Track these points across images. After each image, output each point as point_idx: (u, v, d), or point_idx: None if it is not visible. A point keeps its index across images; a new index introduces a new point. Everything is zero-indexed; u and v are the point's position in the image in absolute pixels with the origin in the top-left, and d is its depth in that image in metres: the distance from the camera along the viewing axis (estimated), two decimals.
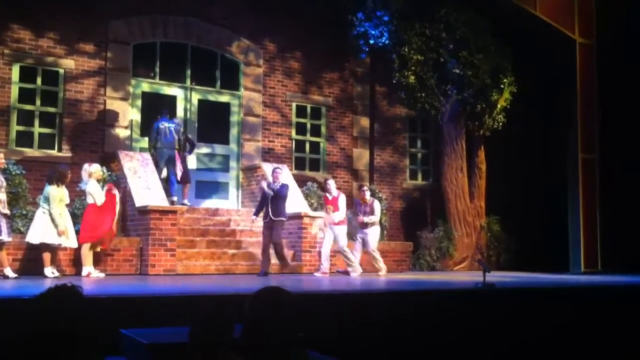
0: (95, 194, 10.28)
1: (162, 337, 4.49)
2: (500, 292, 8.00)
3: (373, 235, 12.09)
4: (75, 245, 10.04)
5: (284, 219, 11.35)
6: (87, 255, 10.13)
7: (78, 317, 2.19)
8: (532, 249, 14.37)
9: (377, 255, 12.08)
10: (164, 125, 12.54)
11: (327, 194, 12.12)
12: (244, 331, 2.24)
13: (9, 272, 9.36)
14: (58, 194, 9.89)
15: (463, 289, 8.47)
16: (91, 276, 9.95)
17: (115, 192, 10.53)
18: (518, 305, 7.60)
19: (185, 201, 12.65)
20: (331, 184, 12.19)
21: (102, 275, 10.20)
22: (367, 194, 12.34)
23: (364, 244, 12.13)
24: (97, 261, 10.47)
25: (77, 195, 11.00)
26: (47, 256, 9.78)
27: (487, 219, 15.28)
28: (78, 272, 10.27)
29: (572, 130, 14.62)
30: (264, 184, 11.46)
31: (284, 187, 11.44)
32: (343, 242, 11.76)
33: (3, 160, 9.90)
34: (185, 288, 7.97)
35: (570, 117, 14.68)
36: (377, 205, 12.24)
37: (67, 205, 10.18)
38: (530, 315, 7.35)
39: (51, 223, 9.75)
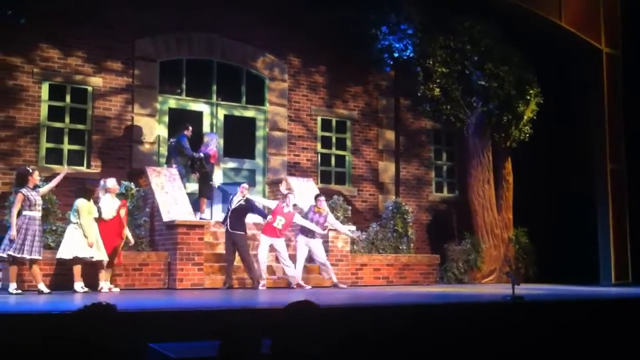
0: (102, 208, 10.33)
1: (191, 351, 4.51)
2: (529, 305, 7.92)
3: (317, 246, 11.79)
4: (106, 258, 10.13)
5: (243, 233, 11.25)
6: (103, 271, 10.20)
7: (112, 334, 2.21)
8: (562, 261, 14.20)
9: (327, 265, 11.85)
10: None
11: (285, 205, 11.71)
12: (274, 345, 2.24)
13: (42, 287, 9.50)
14: (86, 206, 10.04)
15: (491, 302, 8.39)
16: (103, 290, 10.03)
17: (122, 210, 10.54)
18: (548, 318, 7.51)
19: (203, 215, 12.54)
20: (291, 197, 11.82)
21: (118, 290, 10.29)
22: (324, 204, 12.04)
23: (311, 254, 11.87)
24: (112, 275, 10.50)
25: None
26: (77, 270, 9.89)
27: (515, 231, 15.16)
28: (90, 287, 10.35)
29: (599, 141, 14.47)
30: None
31: (247, 202, 11.40)
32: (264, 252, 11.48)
33: (38, 177, 10.08)
34: (213, 302, 8.00)
35: (597, 127, 14.53)
36: (331, 217, 12.06)
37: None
38: (561, 328, 7.25)
39: (82, 237, 9.88)
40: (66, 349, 2.08)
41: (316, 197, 12.28)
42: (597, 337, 7.25)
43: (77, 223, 9.94)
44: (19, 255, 9.36)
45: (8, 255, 9.38)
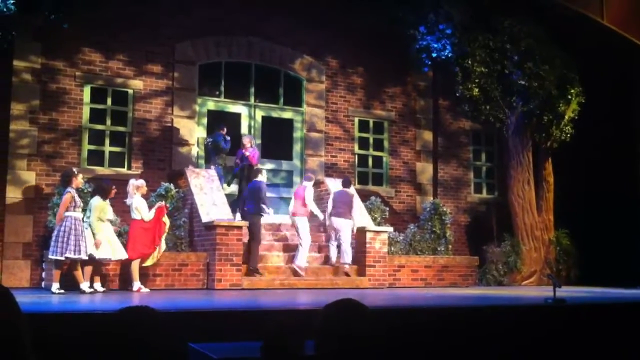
0: (142, 209, 10.42)
1: (232, 352, 4.52)
2: (571, 308, 7.79)
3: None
4: (115, 257, 10.11)
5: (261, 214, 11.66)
6: (136, 270, 10.28)
7: (152, 337, 2.23)
8: (604, 263, 13.93)
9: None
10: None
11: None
12: (316, 346, 2.23)
13: (84, 287, 9.64)
14: (99, 205, 10.08)
15: (532, 305, 8.28)
16: (142, 291, 10.11)
17: (165, 216, 10.63)
18: (591, 322, 7.37)
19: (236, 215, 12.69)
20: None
21: (148, 290, 10.35)
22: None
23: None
24: (143, 276, 10.55)
25: (124, 210, 11.19)
26: (87, 270, 9.88)
27: (556, 232, 14.93)
28: (123, 287, 10.49)
29: None
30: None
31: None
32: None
33: (81, 181, 10.24)
34: (254, 302, 8.04)
35: None
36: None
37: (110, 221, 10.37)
38: (604, 332, 7.12)
39: (90, 236, 9.91)
40: (105, 348, 2.10)
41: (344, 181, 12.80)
42: None
43: (88, 222, 10.00)
44: (62, 258, 9.52)
45: (56, 259, 9.54)
